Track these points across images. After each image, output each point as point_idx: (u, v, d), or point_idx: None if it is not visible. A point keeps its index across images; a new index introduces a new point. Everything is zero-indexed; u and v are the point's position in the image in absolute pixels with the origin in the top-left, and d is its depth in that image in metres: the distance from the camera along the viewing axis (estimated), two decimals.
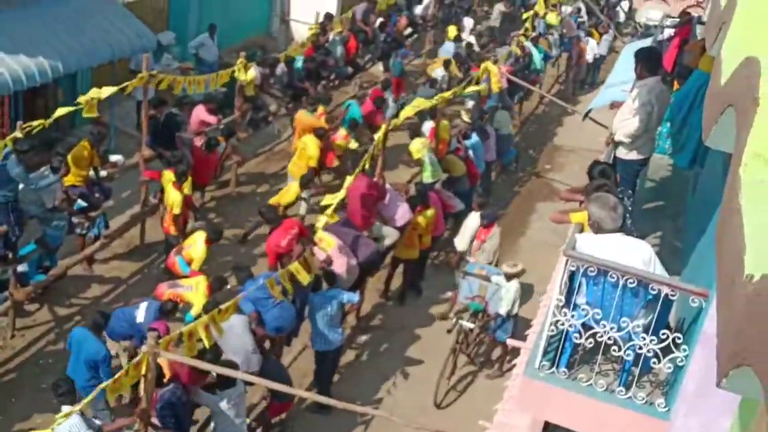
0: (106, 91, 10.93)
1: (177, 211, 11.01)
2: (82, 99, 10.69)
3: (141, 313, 8.89)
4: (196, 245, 10.32)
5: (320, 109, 14.27)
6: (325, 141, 13.19)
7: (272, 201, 11.75)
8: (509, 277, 10.29)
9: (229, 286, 9.76)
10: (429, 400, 10.25)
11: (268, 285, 8.56)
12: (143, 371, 6.98)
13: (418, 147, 12.91)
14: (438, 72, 17.55)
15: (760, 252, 2.32)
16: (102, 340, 8.63)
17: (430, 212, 11.78)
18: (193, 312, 9.42)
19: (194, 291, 9.60)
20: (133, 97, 13.52)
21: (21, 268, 10.36)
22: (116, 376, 6.84)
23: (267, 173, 15.10)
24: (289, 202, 11.88)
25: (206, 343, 7.64)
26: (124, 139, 14.44)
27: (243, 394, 8.36)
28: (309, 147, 12.83)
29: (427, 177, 12.95)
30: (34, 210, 10.24)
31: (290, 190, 12.10)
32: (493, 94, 15.81)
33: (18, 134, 10.08)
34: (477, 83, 15.08)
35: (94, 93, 10.79)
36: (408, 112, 12.47)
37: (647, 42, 13.79)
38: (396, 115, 13.34)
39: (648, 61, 7.60)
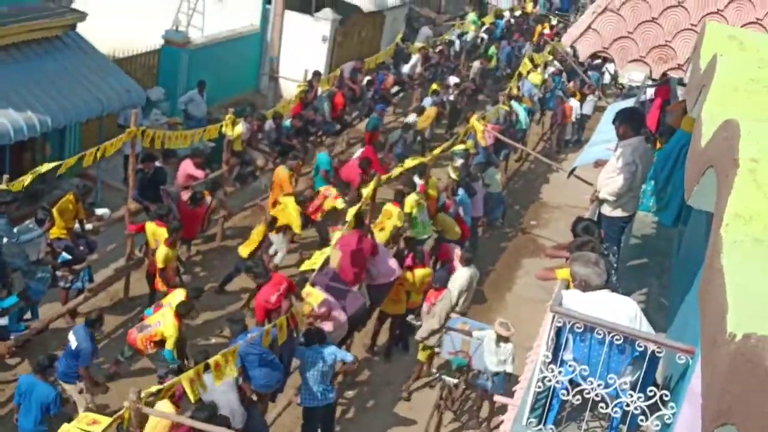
0: (109, 150, 11.24)
1: (161, 265, 10.95)
2: (70, 160, 10.82)
3: (72, 340, 9.27)
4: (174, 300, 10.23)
5: (299, 164, 14.42)
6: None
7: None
8: (503, 339, 9.83)
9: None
10: None
11: (249, 341, 8.59)
12: (125, 425, 6.80)
13: (412, 203, 12.90)
14: (411, 117, 17.88)
15: (742, 311, 2.35)
16: (49, 381, 8.69)
17: (422, 272, 11.55)
18: (168, 345, 9.47)
19: (163, 325, 9.59)
20: (120, 151, 13.57)
21: (2, 321, 10.25)
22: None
23: (253, 227, 15.07)
24: (254, 244, 11.98)
25: (191, 398, 7.54)
26: (111, 192, 14.44)
27: None
28: (288, 207, 12.87)
29: (415, 233, 12.92)
30: (18, 263, 10.16)
31: (258, 231, 12.29)
32: (481, 149, 16.00)
33: (3, 187, 10.08)
34: (463, 141, 15.27)
35: (89, 159, 11.01)
36: (396, 171, 12.58)
37: (630, 102, 14.04)
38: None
39: (631, 121, 7.72)
